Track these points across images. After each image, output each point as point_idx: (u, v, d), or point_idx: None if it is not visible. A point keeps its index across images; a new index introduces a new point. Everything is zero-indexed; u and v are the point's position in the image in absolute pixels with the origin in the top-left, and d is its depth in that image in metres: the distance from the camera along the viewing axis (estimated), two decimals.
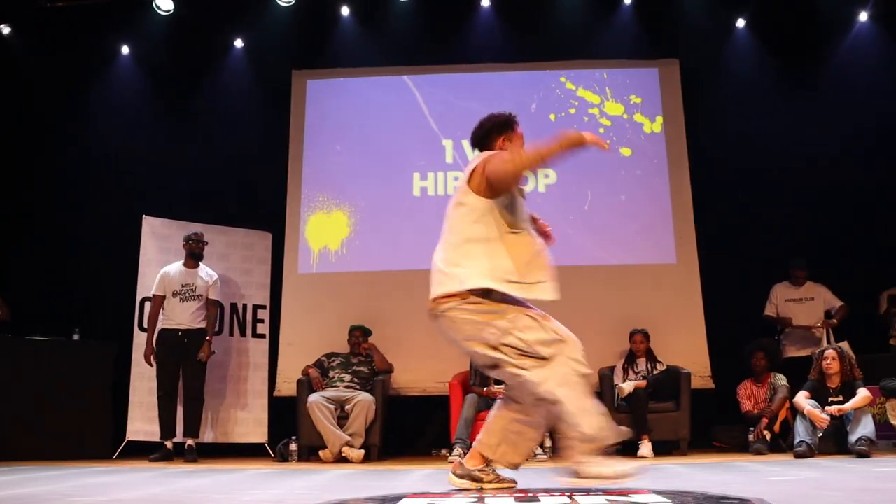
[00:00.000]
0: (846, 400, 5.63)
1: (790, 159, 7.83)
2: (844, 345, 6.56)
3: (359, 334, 6.99)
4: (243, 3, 8.26)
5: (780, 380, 6.44)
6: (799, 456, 5.36)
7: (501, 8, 8.29)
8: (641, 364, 6.81)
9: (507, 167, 3.14)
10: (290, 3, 8.01)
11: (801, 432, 5.53)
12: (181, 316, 6.63)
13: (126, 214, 7.51)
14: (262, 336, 7.49)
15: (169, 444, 6.48)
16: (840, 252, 7.52)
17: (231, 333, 7.35)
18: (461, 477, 3.35)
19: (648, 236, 7.81)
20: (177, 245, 6.98)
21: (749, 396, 6.55)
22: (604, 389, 6.75)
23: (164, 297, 6.69)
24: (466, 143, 8.06)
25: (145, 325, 6.98)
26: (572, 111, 8.17)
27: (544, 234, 3.73)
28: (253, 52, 8.43)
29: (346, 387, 6.62)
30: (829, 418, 5.55)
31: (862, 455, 5.14)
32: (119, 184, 8.08)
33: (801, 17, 8.00)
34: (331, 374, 6.76)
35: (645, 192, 7.92)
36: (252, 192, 8.11)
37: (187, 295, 6.66)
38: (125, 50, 8.51)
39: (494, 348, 3.20)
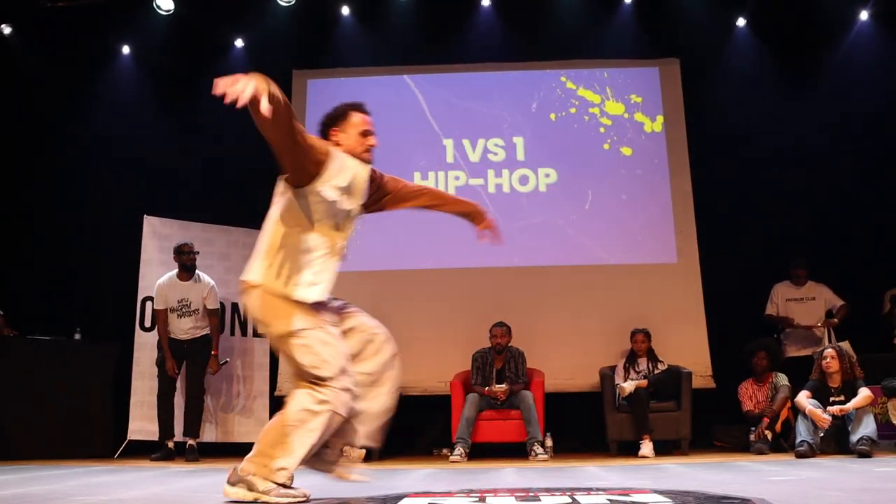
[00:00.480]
0: (847, 399, 5.63)
1: (791, 158, 7.82)
2: (845, 344, 6.55)
3: None
4: (244, 3, 8.25)
5: (782, 379, 6.43)
6: (800, 456, 5.36)
7: (502, 7, 8.29)
8: (643, 363, 6.81)
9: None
10: (290, 2, 8.01)
11: (802, 432, 5.53)
12: (180, 329, 6.63)
13: (126, 214, 7.51)
14: (264, 336, 7.46)
15: (170, 444, 6.48)
16: (842, 251, 7.53)
17: (232, 333, 7.35)
18: (233, 483, 2.86)
19: (649, 235, 7.80)
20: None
21: (750, 396, 6.54)
22: (605, 389, 6.74)
23: (166, 311, 6.66)
24: (467, 143, 8.13)
25: (146, 324, 6.99)
26: (573, 111, 8.16)
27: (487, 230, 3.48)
28: (253, 52, 8.42)
29: None
30: (830, 418, 5.54)
31: (863, 455, 5.14)
32: (119, 183, 8.07)
33: (802, 16, 7.99)
34: None
35: (646, 192, 7.92)
36: (253, 190, 8.05)
37: (184, 311, 6.64)
38: (126, 50, 8.51)
39: None
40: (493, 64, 8.34)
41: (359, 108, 3.33)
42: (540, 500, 2.75)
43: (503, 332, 6.85)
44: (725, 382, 7.04)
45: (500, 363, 6.81)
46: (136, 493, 3.41)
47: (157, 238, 7.28)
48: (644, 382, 6.55)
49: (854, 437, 5.37)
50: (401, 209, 3.54)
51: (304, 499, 2.87)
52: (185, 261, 6.71)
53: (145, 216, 7.30)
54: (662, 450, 6.37)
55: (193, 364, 6.63)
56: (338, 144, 3.19)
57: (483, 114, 8.23)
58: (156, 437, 6.62)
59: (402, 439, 7.24)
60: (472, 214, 3.57)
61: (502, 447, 6.64)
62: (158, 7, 7.94)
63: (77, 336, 7.03)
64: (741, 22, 8.27)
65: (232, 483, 2.83)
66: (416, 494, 3.07)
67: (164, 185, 7.99)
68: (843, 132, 7.77)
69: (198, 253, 6.82)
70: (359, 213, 3.27)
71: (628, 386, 6.51)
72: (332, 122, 3.26)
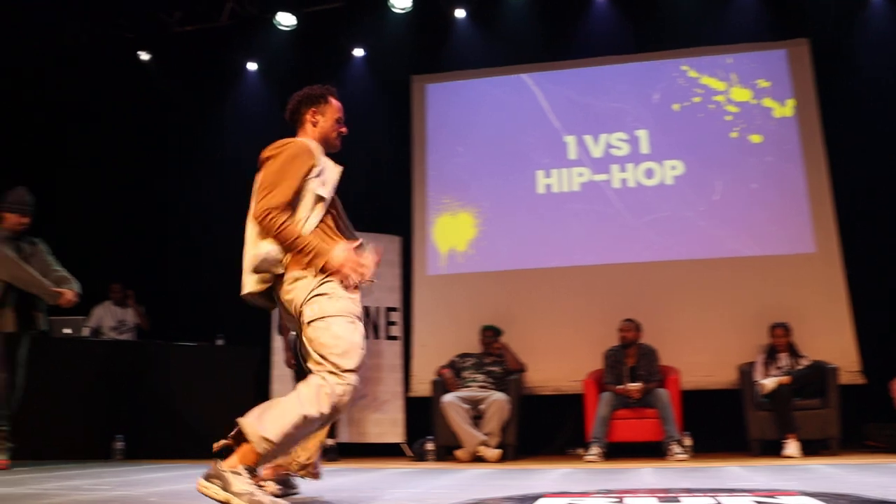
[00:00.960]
0: None
1: None
2: None
3: (490, 334, 7.02)
4: (361, 14, 8.44)
5: None
6: None
7: None
8: (783, 359, 6.53)
9: (266, 209, 2.86)
10: (406, 9, 8.13)
11: None
12: None
13: None
14: (396, 338, 7.63)
15: None
16: None
17: (365, 336, 7.51)
18: (209, 478, 2.61)
19: (783, 225, 7.47)
20: None
21: None
22: (744, 386, 6.51)
23: None
24: (590, 139, 8.04)
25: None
26: (697, 100, 7.93)
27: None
28: (373, 61, 8.60)
29: (480, 387, 6.66)
30: None
31: None
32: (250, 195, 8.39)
33: None
34: (464, 374, 6.82)
35: (777, 180, 7.59)
36: (379, 197, 8.27)
37: None
38: (252, 66, 8.88)
39: None
40: (611, 57, 8.21)
41: (335, 93, 3.19)
42: (680, 501, 2.68)
43: (629, 326, 6.75)
44: (877, 378, 6.64)
45: (631, 361, 6.70)
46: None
47: None
48: (786, 379, 6.28)
49: None
50: None
51: None
52: None
53: None
54: (809, 450, 6.08)
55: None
56: (314, 125, 3.12)
57: (604, 108, 8.11)
58: None
59: (537, 439, 7.24)
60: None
61: (638, 447, 6.52)
62: (279, 23, 8.24)
63: (220, 342, 7.39)
64: None
65: (207, 476, 2.59)
66: (553, 494, 3.05)
67: None
68: None
69: None
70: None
71: (769, 383, 6.26)
72: (313, 102, 3.13)
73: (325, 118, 3.13)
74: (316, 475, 3.38)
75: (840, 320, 7.08)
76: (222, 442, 2.73)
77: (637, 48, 8.15)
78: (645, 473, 4.52)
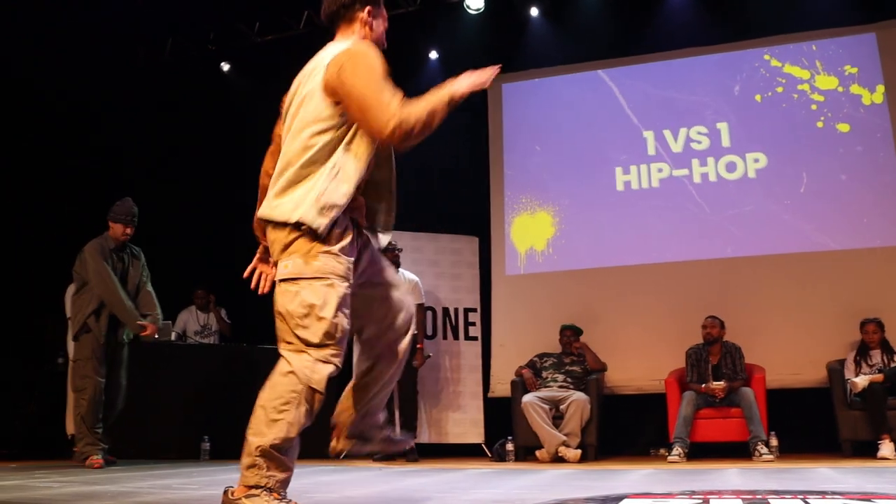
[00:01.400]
0: None
1: None
2: None
3: (570, 334, 6.98)
4: (434, 16, 8.49)
5: None
6: None
7: None
8: (876, 356, 6.30)
9: (383, 109, 2.39)
10: (479, 9, 8.14)
11: None
12: None
13: None
14: (475, 338, 7.66)
15: None
16: None
17: (444, 337, 7.57)
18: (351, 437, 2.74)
19: (875, 217, 7.19)
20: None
21: None
22: (834, 384, 6.30)
23: None
24: (668, 133, 7.90)
25: None
26: (780, 90, 7.70)
27: None
28: (448, 63, 8.64)
29: (560, 386, 6.63)
30: None
31: None
32: None
33: None
34: (544, 374, 6.80)
35: (868, 170, 7.30)
36: (457, 198, 8.30)
37: None
38: None
39: None
40: (688, 49, 8.05)
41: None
42: (768, 502, 2.62)
43: (713, 322, 6.62)
44: None
45: (715, 359, 6.56)
46: (363, 491, 3.60)
47: None
48: (879, 377, 6.04)
49: None
50: None
51: None
52: (389, 258, 6.99)
53: None
54: None
55: (404, 367, 6.89)
56: (370, 28, 2.73)
57: (683, 102, 7.96)
58: None
59: (618, 439, 7.17)
60: None
61: (723, 447, 6.40)
62: None
63: None
64: None
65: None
66: (637, 495, 3.01)
67: None
68: None
69: (401, 250, 7.02)
70: None
71: (861, 381, 6.04)
72: (372, 2, 2.72)
73: (378, 22, 2.77)
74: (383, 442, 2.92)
75: None
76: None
77: (715, 39, 7.96)
78: (730, 474, 4.42)
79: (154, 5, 7.81)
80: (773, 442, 6.12)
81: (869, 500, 2.62)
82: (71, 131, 8.01)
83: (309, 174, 2.38)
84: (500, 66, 2.70)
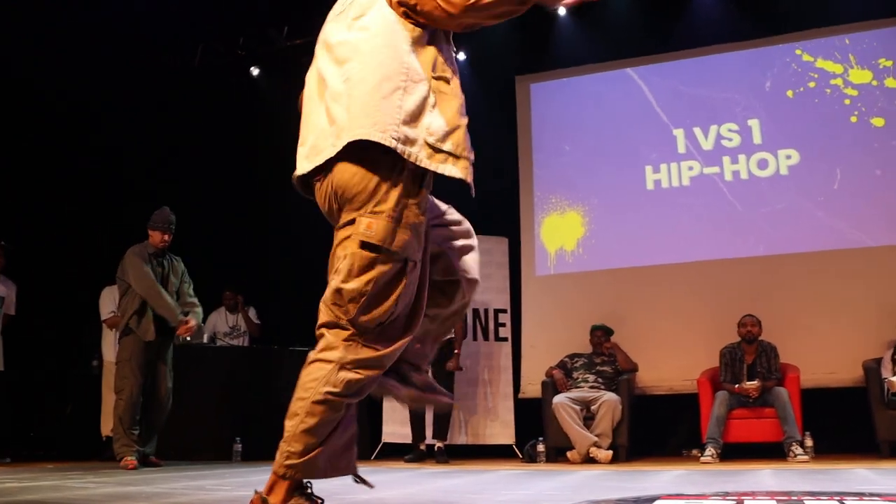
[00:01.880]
0: None
1: None
2: None
3: (600, 334, 6.94)
4: None
5: None
6: None
7: None
8: None
9: None
10: None
11: None
12: None
13: None
14: (505, 339, 7.64)
15: (422, 446, 6.78)
16: None
17: (475, 338, 7.56)
18: None
19: None
20: None
21: None
22: (870, 383, 6.20)
23: None
24: (699, 131, 7.83)
25: None
26: (812, 85, 7.60)
27: None
28: (476, 63, 8.63)
29: (591, 387, 6.59)
30: None
31: None
32: None
33: None
34: (574, 374, 6.77)
35: None
36: (486, 198, 8.25)
37: None
38: None
39: None
40: (718, 46, 7.96)
41: None
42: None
43: (752, 321, 6.54)
44: None
45: (750, 358, 6.49)
46: (394, 492, 3.60)
47: None
48: None
49: None
50: None
51: None
52: None
53: None
54: None
55: (438, 370, 6.88)
56: None
57: (713, 99, 7.88)
58: (407, 440, 6.96)
59: (650, 439, 7.11)
60: None
61: (756, 447, 6.32)
62: None
63: None
64: None
65: None
66: (670, 496, 2.99)
67: None
68: None
69: None
70: None
71: None
72: None
73: None
74: None
75: None
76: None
77: (745, 35, 7.86)
78: (764, 475, 4.37)
79: (183, 12, 7.90)
80: (808, 442, 6.04)
81: None
82: (73, 131, 8.11)
83: None
84: None
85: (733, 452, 6.26)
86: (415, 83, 2.19)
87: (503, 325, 7.66)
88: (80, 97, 7.89)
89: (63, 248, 7.91)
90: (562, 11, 8.25)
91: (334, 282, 2.18)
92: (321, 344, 2.24)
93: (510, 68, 8.56)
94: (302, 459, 2.20)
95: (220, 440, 6.71)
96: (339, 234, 2.21)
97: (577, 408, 6.42)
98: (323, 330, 2.25)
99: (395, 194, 2.13)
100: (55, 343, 7.75)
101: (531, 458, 6.54)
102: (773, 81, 7.72)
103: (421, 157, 2.15)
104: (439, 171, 2.21)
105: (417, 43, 2.22)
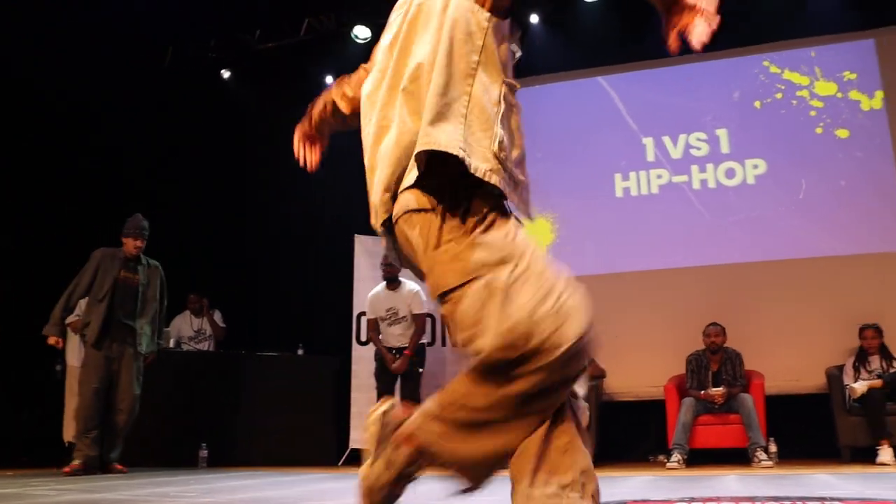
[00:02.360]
0: None
1: None
2: None
3: None
4: None
5: None
6: None
7: None
8: (875, 362, 6.29)
9: None
10: (367, 39, 8.26)
11: None
12: (391, 338, 6.86)
13: (340, 234, 7.94)
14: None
15: None
16: None
17: (444, 345, 7.55)
18: None
19: (874, 223, 7.19)
20: None
21: None
22: (833, 390, 6.29)
23: (376, 320, 6.96)
24: (668, 139, 7.91)
25: (363, 338, 7.34)
26: (779, 96, 7.71)
27: None
28: None
29: None
30: None
31: None
32: (332, 205, 8.55)
33: None
34: None
35: (867, 176, 7.30)
36: None
37: (392, 319, 6.89)
38: (329, 80, 9.05)
39: None
40: (688, 56, 7.98)
41: None
42: None
43: (718, 331, 6.60)
44: None
45: (715, 365, 6.55)
46: None
47: (368, 255, 7.65)
48: (878, 382, 6.04)
49: None
50: None
51: None
52: (385, 273, 6.95)
53: (356, 236, 7.70)
54: None
55: (408, 376, 6.86)
56: None
57: (682, 108, 7.97)
58: None
59: (617, 445, 7.14)
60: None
61: (722, 453, 6.38)
62: (356, 36, 8.38)
63: (300, 351, 7.53)
64: None
65: None
66: (636, 502, 3.01)
67: None
68: None
69: (400, 267, 7.02)
70: None
71: (860, 387, 6.03)
72: None
73: None
74: None
75: None
76: None
77: (715, 46, 7.87)
78: (729, 480, 4.41)
79: (156, 12, 7.82)
80: (773, 448, 6.11)
81: None
82: (71, 132, 8.02)
83: None
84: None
85: (699, 458, 6.31)
86: None
87: None
88: (48, 91, 7.79)
89: (25, 247, 7.77)
90: (534, 19, 8.31)
91: None
92: None
93: None
94: None
95: (185, 446, 6.63)
96: None
97: None
98: None
99: None
100: (17, 346, 7.61)
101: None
102: (741, 92, 7.82)
103: None
104: None
105: None
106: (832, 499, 2.91)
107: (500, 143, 1.89)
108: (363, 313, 7.28)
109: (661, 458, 6.63)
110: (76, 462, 5.45)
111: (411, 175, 1.84)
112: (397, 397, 6.87)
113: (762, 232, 7.42)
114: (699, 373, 6.57)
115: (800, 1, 7.73)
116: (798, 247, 7.29)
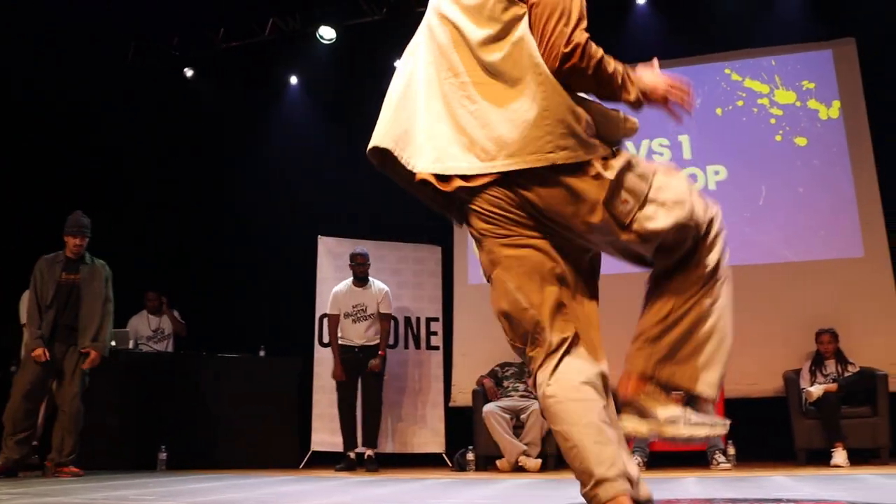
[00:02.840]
0: None
1: None
2: None
3: None
4: (399, 26, 8.49)
5: None
6: None
7: (657, 2, 8.07)
8: (830, 366, 6.40)
9: (576, 42, 1.95)
10: (332, 40, 8.34)
11: None
12: (355, 335, 6.85)
13: (303, 235, 7.89)
14: (437, 348, 7.63)
15: (352, 455, 6.72)
16: None
17: (406, 346, 7.55)
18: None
19: (831, 230, 7.33)
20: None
21: None
22: (790, 394, 6.40)
23: (339, 316, 6.93)
24: (630, 145, 7.92)
25: (325, 340, 7.30)
26: (740, 103, 7.83)
27: None
28: None
29: (521, 396, 6.63)
30: None
31: None
32: (295, 206, 8.49)
33: None
34: (505, 383, 6.80)
35: (824, 183, 7.44)
36: (419, 206, 8.25)
37: (358, 315, 6.88)
38: (294, 80, 9.00)
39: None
40: (650, 62, 8.11)
41: None
42: None
43: None
44: None
45: None
46: (322, 501, 3.56)
47: (332, 257, 7.61)
48: (833, 386, 6.15)
49: None
50: None
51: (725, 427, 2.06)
52: (357, 271, 6.94)
53: (319, 237, 7.66)
54: (858, 459, 5.96)
55: (370, 377, 6.84)
56: None
57: (645, 113, 7.90)
58: (337, 449, 6.89)
59: None
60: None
61: (681, 456, 6.45)
62: (321, 37, 8.34)
63: (262, 353, 7.47)
64: None
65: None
66: None
67: (337, 205, 8.32)
68: None
69: (369, 264, 7.01)
70: None
71: (816, 390, 6.14)
72: None
73: None
74: None
75: (889, 326, 6.91)
76: None
77: (677, 52, 8.03)
78: (688, 483, 4.46)
79: (118, 6, 7.72)
80: (731, 451, 6.18)
81: None
82: (30, 127, 7.90)
83: None
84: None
85: (659, 461, 6.37)
86: None
87: (435, 333, 7.66)
88: (48, 91, 7.69)
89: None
90: None
91: None
92: None
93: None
94: None
95: (144, 448, 6.54)
96: None
97: (507, 416, 6.44)
98: None
99: None
100: None
101: (461, 466, 6.55)
102: (703, 98, 7.91)
103: None
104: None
105: None
106: (788, 500, 2.96)
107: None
108: (326, 315, 7.24)
109: None
110: None
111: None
112: (359, 398, 6.87)
113: None
114: None
115: (761, 10, 7.87)
116: (757, 252, 7.39)
